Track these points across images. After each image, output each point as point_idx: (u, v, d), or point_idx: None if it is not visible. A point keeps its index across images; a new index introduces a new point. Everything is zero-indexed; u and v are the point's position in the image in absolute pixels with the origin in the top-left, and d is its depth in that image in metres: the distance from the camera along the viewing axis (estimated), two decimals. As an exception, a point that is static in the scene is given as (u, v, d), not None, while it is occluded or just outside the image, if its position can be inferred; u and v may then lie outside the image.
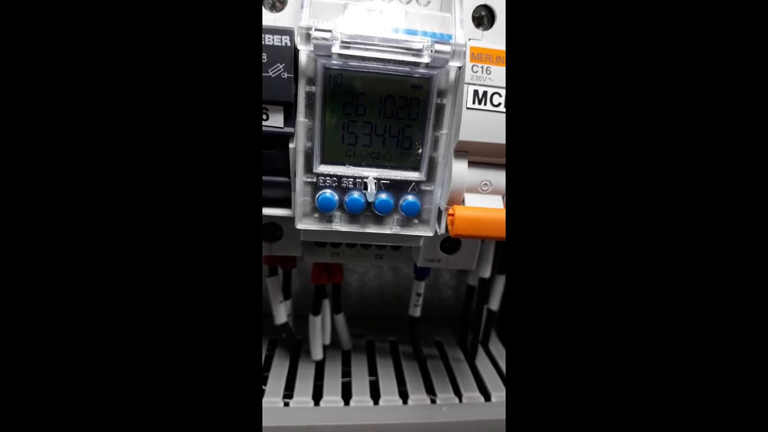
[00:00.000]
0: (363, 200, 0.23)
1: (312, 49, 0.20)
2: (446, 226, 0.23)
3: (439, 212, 0.24)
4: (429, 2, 0.25)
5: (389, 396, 0.36)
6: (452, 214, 0.22)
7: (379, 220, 0.24)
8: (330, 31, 0.20)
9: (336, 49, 0.20)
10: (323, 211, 0.23)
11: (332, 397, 0.35)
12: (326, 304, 0.38)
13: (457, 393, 0.37)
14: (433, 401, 0.36)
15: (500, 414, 0.35)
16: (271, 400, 0.34)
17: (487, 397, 0.37)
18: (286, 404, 0.34)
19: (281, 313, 0.37)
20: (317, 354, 0.38)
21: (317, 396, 0.35)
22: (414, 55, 0.20)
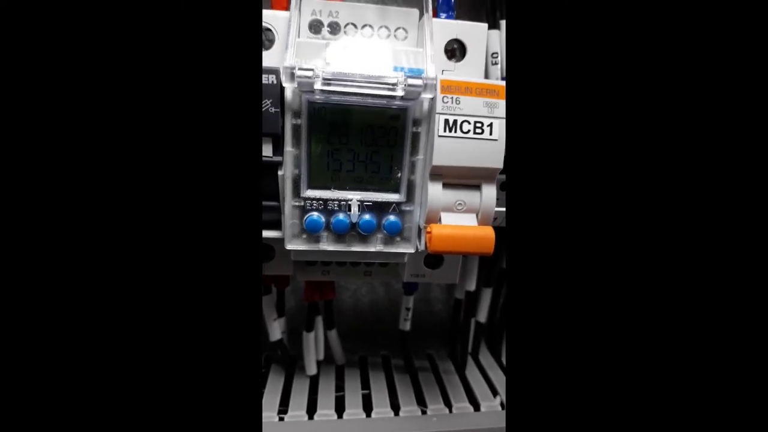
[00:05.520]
0: (348, 221, 0.25)
1: (296, 86, 0.22)
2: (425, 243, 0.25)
3: (420, 230, 0.26)
4: (406, 37, 0.27)
5: (381, 408, 0.37)
6: (430, 232, 0.24)
7: (363, 239, 0.26)
8: (312, 69, 0.22)
9: (318, 85, 0.22)
10: (311, 232, 0.25)
11: (326, 411, 0.36)
12: (319, 321, 0.39)
13: (447, 404, 0.38)
14: (423, 412, 0.37)
15: (489, 423, 0.36)
16: (267, 414, 0.35)
17: (477, 407, 0.38)
18: (281, 419, 0.35)
19: (276, 331, 0.38)
20: (311, 369, 0.40)
21: (311, 410, 0.36)
22: (389, 89, 0.22)
